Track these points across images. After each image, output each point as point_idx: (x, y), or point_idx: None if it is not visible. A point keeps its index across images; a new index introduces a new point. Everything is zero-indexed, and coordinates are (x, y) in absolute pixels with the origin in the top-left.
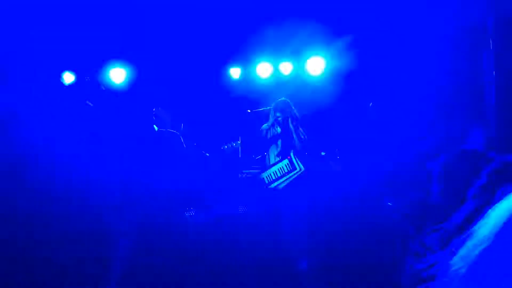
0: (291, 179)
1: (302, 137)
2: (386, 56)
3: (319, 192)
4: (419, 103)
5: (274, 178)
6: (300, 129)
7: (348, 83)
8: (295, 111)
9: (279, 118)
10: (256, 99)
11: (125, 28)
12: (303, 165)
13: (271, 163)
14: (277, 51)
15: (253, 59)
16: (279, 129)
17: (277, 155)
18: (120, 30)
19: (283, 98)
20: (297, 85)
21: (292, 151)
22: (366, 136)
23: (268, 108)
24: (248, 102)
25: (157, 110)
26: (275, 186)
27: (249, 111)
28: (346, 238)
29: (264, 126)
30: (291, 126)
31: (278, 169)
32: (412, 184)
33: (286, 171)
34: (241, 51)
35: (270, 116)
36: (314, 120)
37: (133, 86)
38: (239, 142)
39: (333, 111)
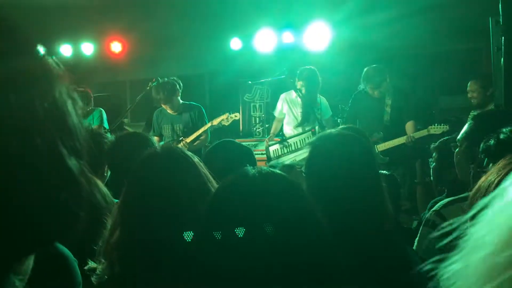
0: None
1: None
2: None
3: None
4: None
5: (294, 149)
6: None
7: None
8: (320, 81)
9: (303, 88)
10: (257, 70)
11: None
12: None
13: (290, 134)
14: (279, 20)
15: (254, 29)
16: (299, 99)
17: (297, 126)
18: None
19: (309, 66)
20: (300, 56)
21: (317, 123)
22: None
23: (270, 79)
24: (249, 73)
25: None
26: (295, 156)
27: (250, 82)
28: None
29: (283, 96)
30: (319, 97)
31: (299, 140)
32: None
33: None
34: (241, 21)
35: (296, 84)
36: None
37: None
38: (238, 114)
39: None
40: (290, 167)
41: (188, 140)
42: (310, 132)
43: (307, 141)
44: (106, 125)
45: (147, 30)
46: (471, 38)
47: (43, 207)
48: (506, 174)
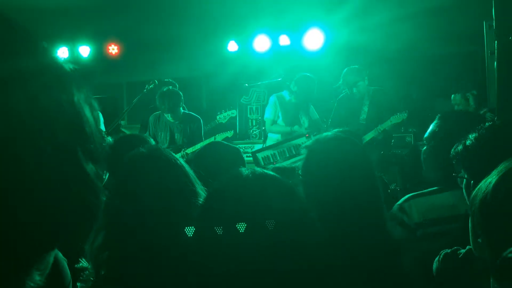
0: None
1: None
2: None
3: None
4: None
5: (288, 155)
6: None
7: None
8: (315, 88)
9: (298, 93)
10: (254, 73)
11: (119, 1)
12: None
13: (282, 138)
14: (275, 23)
15: (251, 32)
16: (293, 103)
17: (291, 131)
18: (114, 2)
19: (306, 74)
20: (296, 58)
21: (304, 128)
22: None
23: (267, 82)
24: (245, 76)
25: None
26: (289, 163)
27: (246, 85)
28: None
29: (275, 97)
30: (310, 104)
31: (293, 146)
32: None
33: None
34: (238, 23)
35: (290, 87)
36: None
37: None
38: (235, 111)
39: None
40: (291, 171)
41: (189, 151)
42: (304, 136)
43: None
44: (102, 127)
45: (144, 32)
46: (467, 41)
47: (62, 207)
48: (504, 175)
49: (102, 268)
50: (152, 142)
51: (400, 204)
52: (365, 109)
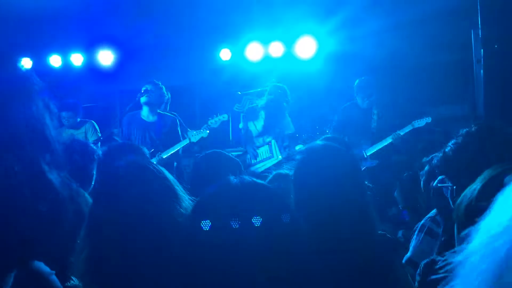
0: (267, 165)
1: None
2: (379, 35)
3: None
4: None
5: (255, 160)
6: (288, 118)
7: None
8: (289, 97)
9: (271, 102)
10: (247, 81)
11: (112, 8)
12: (281, 155)
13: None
14: (268, 31)
15: (243, 40)
16: (263, 113)
17: (257, 136)
18: (107, 10)
19: (278, 84)
20: (288, 66)
21: (272, 138)
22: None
23: (260, 89)
24: (238, 84)
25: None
26: (255, 169)
27: (239, 93)
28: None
29: (256, 104)
30: (284, 113)
31: (258, 152)
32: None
33: (264, 157)
34: (230, 31)
35: (264, 96)
36: (305, 104)
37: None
38: (226, 116)
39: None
40: (284, 176)
41: (164, 155)
42: (267, 145)
43: (265, 153)
44: (95, 136)
45: (136, 40)
46: (456, 50)
47: (26, 219)
48: (487, 182)
49: (91, 284)
50: (145, 150)
51: (433, 217)
52: (375, 118)
